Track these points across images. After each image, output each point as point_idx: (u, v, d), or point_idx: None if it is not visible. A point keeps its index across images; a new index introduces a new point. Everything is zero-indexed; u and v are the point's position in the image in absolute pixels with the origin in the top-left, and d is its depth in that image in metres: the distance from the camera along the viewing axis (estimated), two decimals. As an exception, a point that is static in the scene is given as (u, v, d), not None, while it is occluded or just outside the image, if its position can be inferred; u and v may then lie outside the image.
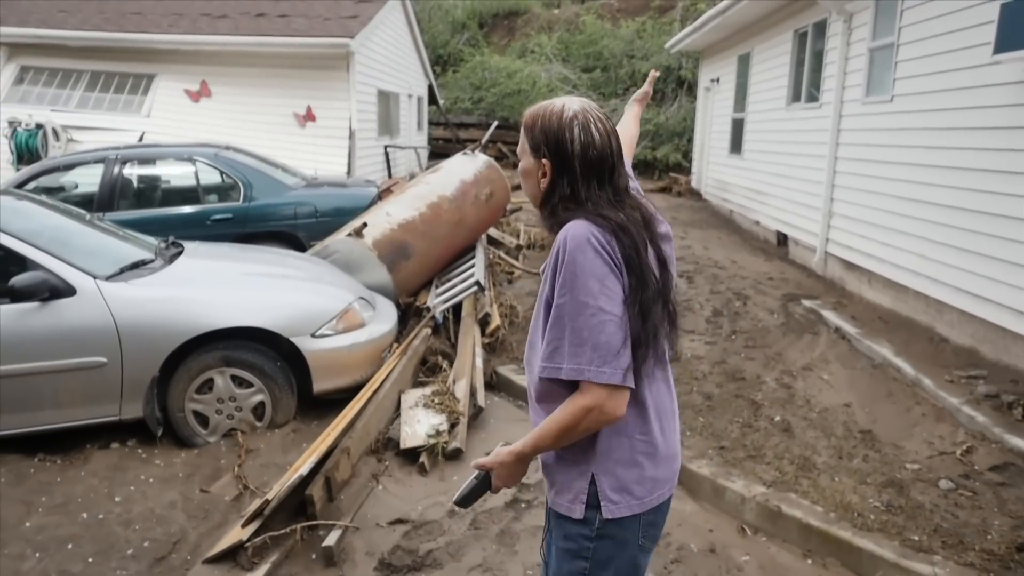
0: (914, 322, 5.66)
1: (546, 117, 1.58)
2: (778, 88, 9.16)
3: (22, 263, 3.82)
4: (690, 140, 15.51)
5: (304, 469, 3.26)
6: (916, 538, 3.03)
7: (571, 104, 1.59)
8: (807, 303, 6.27)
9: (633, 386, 1.48)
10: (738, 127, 10.99)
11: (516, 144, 17.33)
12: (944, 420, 4.11)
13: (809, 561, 3.09)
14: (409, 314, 5.76)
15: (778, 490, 3.41)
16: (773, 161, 9.18)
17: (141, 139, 10.18)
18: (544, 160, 1.57)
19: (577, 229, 1.48)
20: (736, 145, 11.02)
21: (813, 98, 8.02)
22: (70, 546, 3.14)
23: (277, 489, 3.17)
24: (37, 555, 3.08)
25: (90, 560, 3.06)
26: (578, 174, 1.54)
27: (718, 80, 12.59)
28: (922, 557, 2.90)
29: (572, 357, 1.45)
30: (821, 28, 7.82)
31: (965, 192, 5.01)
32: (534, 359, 1.62)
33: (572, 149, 1.54)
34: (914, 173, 5.70)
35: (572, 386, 1.50)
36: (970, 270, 4.92)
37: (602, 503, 1.57)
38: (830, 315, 5.86)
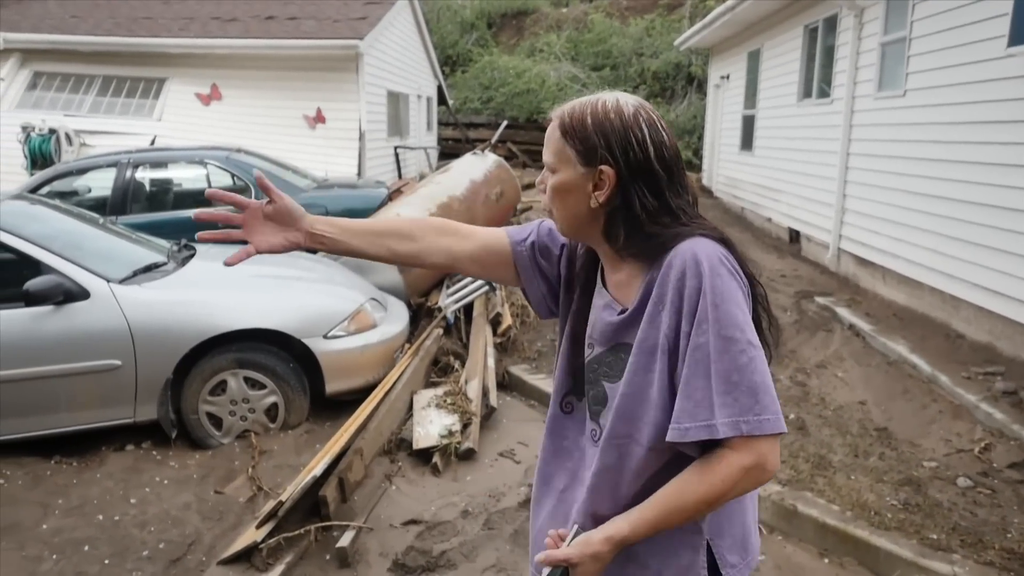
0: (929, 318, 5.61)
1: (600, 115, 1.24)
2: (789, 84, 9.10)
3: (36, 267, 3.85)
4: (700, 137, 15.45)
5: (317, 470, 3.27)
6: (934, 537, 3.00)
7: (626, 99, 1.27)
8: (820, 300, 6.23)
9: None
10: (749, 124, 10.93)
11: (525, 143, 17.48)
12: (961, 417, 4.07)
13: (826, 560, 3.07)
14: (420, 314, 5.76)
15: (794, 489, 3.38)
16: (785, 157, 9.12)
17: (153, 143, 10.25)
18: (605, 168, 1.23)
19: (704, 248, 1.19)
20: (747, 142, 10.95)
21: (824, 94, 7.95)
22: (86, 548, 3.16)
23: (291, 490, 3.17)
24: (54, 557, 3.10)
25: (106, 562, 3.08)
26: (664, 181, 1.24)
27: (728, 77, 12.52)
28: (941, 556, 2.87)
29: (723, 408, 1.13)
30: (832, 23, 7.76)
31: (980, 187, 4.96)
32: (639, 423, 1.24)
33: (647, 151, 1.23)
34: (928, 168, 5.65)
35: (700, 446, 1.19)
36: (986, 265, 4.87)
37: (723, 571, 1.28)
38: (844, 312, 5.82)
